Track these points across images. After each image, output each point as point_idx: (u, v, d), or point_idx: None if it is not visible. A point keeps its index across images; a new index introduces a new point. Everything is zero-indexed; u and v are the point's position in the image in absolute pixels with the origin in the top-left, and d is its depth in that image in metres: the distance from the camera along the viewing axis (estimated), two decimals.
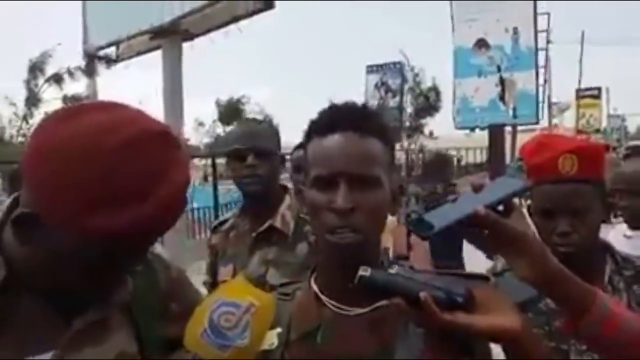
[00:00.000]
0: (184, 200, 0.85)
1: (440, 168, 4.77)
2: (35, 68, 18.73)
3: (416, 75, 22.89)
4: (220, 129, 29.39)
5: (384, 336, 0.86)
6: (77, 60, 17.76)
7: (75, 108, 0.85)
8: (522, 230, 0.80)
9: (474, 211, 0.77)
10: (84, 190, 0.76)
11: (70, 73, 18.37)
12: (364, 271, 0.77)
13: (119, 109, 0.85)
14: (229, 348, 0.82)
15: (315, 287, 0.93)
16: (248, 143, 1.81)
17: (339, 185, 0.86)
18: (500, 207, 0.82)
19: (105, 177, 0.76)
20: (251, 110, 27.61)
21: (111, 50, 5.97)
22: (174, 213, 0.84)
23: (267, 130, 1.90)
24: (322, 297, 0.91)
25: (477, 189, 0.82)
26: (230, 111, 28.23)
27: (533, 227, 1.37)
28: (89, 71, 16.95)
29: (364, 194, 0.86)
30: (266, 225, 1.81)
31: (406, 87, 22.04)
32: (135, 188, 0.77)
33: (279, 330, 0.90)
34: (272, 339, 0.89)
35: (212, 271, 1.97)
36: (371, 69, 21.67)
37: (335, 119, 0.91)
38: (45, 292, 0.87)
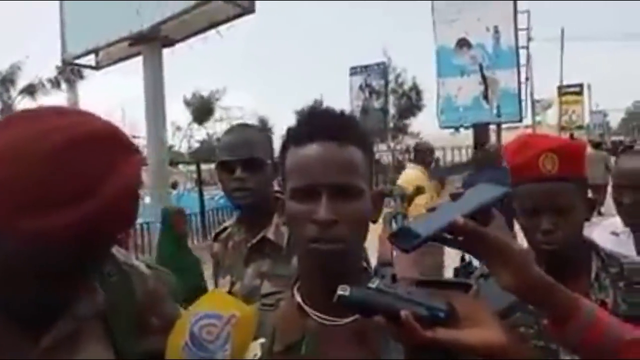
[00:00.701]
0: (133, 200, 0.83)
1: (493, 162, 5.23)
2: (6, 80, 18.66)
3: (398, 76, 23.06)
4: (198, 132, 29.21)
5: (368, 347, 0.85)
6: (49, 71, 17.74)
7: (29, 112, 0.84)
8: (502, 239, 0.79)
9: (452, 221, 0.76)
10: (18, 192, 0.74)
11: (43, 85, 18.36)
12: (343, 290, 0.75)
13: (73, 114, 0.83)
14: None
15: (298, 298, 0.92)
16: (236, 154, 1.71)
17: (319, 196, 0.84)
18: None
19: (42, 179, 0.75)
20: (226, 107, 27.49)
21: (90, 59, 5.91)
22: (123, 212, 0.82)
23: (258, 137, 1.78)
24: (306, 307, 0.90)
25: (455, 197, 0.82)
26: (203, 110, 27.95)
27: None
28: (68, 80, 16.89)
29: (345, 205, 0.85)
30: (259, 236, 1.73)
31: (389, 87, 22.19)
32: (75, 189, 0.75)
33: (262, 340, 0.89)
34: (255, 350, 0.88)
35: (216, 280, 1.92)
36: (355, 71, 21.75)
37: (313, 128, 0.88)
38: (10, 306, 0.84)
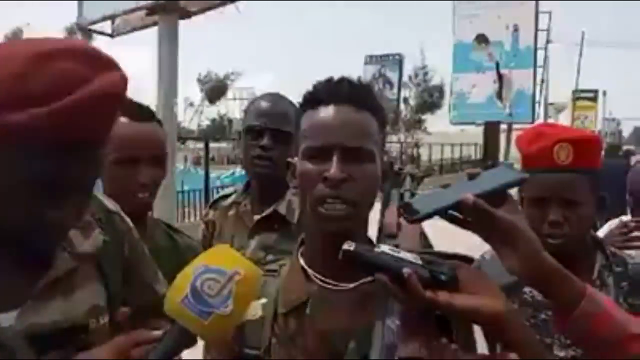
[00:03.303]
0: (108, 108, 0.84)
1: None
2: None
3: (426, 74, 22.92)
4: (209, 109, 29.26)
5: (371, 312, 0.85)
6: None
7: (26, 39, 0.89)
8: (512, 221, 0.77)
9: (462, 198, 0.75)
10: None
11: None
12: (348, 245, 0.76)
13: (67, 40, 0.88)
14: (210, 315, 0.78)
15: (302, 262, 0.93)
16: (266, 122, 1.66)
17: (331, 157, 0.85)
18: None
19: (20, 77, 0.77)
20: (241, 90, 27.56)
21: (106, 25, 5.88)
22: (97, 117, 0.82)
23: (290, 111, 1.64)
24: (310, 271, 0.91)
25: (471, 177, 0.81)
26: (217, 89, 28.01)
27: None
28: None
29: (356, 166, 0.86)
30: (270, 210, 1.70)
31: (414, 80, 22.13)
32: (50, 89, 0.77)
33: (264, 300, 0.90)
34: (256, 309, 0.88)
35: (206, 247, 1.81)
36: (370, 60, 21.63)
37: (331, 91, 0.90)
38: (4, 242, 0.84)
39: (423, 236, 1.42)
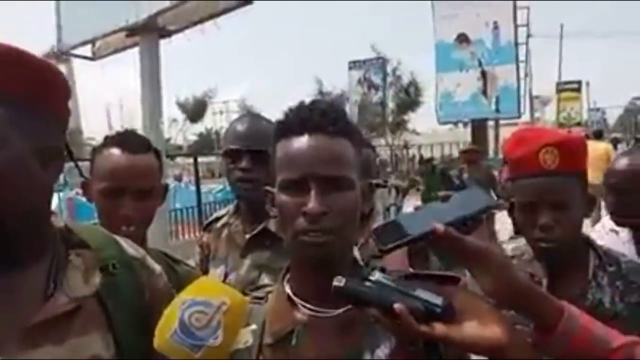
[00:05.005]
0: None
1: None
2: None
3: (395, 69, 22.80)
4: (193, 127, 29.42)
5: (358, 338, 0.85)
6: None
7: None
8: (483, 245, 0.78)
9: (432, 229, 0.76)
10: None
11: None
12: (338, 282, 0.76)
13: None
14: (201, 348, 0.79)
15: (288, 289, 0.91)
16: (244, 144, 1.67)
17: (309, 188, 0.83)
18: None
19: None
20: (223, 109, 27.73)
21: (86, 49, 5.85)
22: None
23: (268, 128, 1.62)
24: (295, 299, 0.90)
25: (444, 199, 0.82)
26: (197, 110, 28.22)
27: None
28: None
29: (335, 196, 0.84)
30: (260, 227, 1.70)
31: (388, 81, 22.09)
32: None
33: (253, 327, 0.88)
34: (246, 337, 0.87)
35: (202, 271, 1.83)
36: (354, 65, 21.72)
37: (302, 120, 0.88)
38: None
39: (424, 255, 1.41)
